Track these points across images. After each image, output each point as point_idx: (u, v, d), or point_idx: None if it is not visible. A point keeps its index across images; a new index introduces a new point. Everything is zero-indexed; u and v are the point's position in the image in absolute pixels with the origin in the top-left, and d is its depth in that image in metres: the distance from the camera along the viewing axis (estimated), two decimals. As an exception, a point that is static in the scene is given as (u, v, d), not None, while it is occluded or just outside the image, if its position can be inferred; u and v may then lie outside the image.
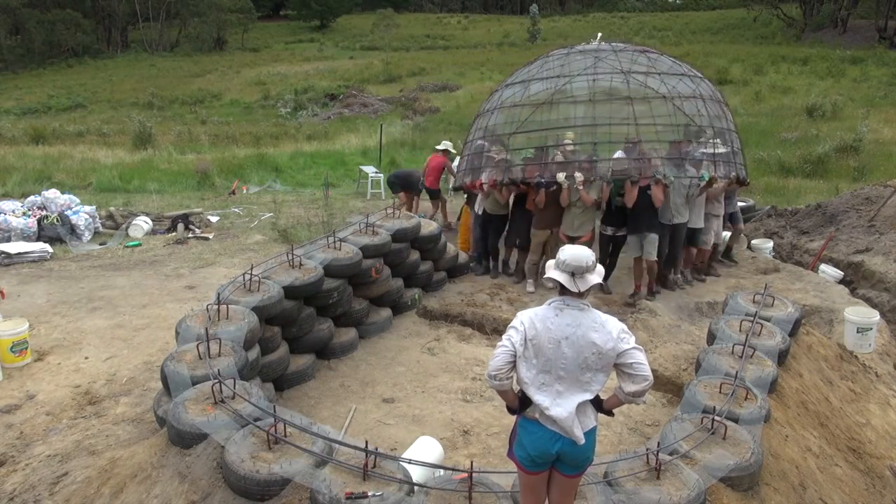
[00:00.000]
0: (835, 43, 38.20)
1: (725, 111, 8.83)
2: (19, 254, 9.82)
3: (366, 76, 37.73)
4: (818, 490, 4.67)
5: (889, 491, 5.30)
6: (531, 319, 3.30)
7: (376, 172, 15.47)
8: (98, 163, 18.51)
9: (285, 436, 4.07)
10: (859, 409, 6.12)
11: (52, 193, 11.59)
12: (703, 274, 8.72)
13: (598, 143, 8.34)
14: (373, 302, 7.32)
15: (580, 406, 3.28)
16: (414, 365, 6.65)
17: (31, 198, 11.65)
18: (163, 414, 4.69)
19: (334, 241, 6.88)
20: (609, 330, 3.23)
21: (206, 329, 5.01)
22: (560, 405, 3.26)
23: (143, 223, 11.58)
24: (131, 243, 10.92)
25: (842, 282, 9.25)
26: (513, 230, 8.71)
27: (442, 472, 4.28)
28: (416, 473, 4.08)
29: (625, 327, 3.29)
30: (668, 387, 6.25)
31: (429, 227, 8.18)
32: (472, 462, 3.93)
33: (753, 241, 10.45)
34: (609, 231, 8.26)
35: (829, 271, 9.44)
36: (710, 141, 8.33)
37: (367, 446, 3.92)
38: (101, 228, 11.60)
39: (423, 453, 4.61)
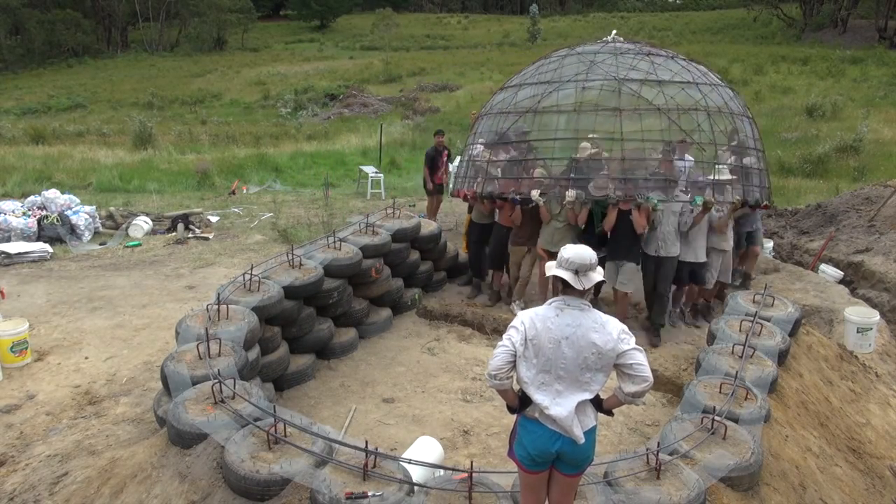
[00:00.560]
0: (835, 43, 38.21)
1: (745, 125, 7.70)
2: (19, 254, 9.82)
3: (366, 76, 37.73)
4: (818, 490, 4.67)
5: (889, 491, 5.30)
6: (531, 319, 3.29)
7: (376, 172, 15.47)
8: (98, 163, 18.51)
9: (285, 436, 4.07)
10: (859, 409, 6.13)
11: (52, 193, 11.59)
12: (703, 317, 7.57)
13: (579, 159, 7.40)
14: (373, 302, 7.32)
15: (580, 405, 3.29)
16: (414, 365, 6.65)
17: (31, 198, 11.65)
18: (163, 414, 4.69)
19: (334, 241, 6.88)
20: (609, 330, 3.24)
21: (206, 329, 5.01)
22: (560, 404, 3.26)
23: (143, 223, 11.58)
24: (131, 243, 10.92)
25: (842, 282, 9.25)
26: (491, 248, 8.07)
27: (442, 472, 4.28)
28: (416, 473, 4.08)
29: (625, 328, 3.29)
30: (668, 387, 6.25)
31: (429, 226, 8.18)
32: (472, 462, 3.93)
33: None
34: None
35: (829, 271, 9.44)
36: (713, 163, 7.24)
37: (367, 446, 3.92)
38: (101, 228, 11.60)
39: (423, 453, 4.61)
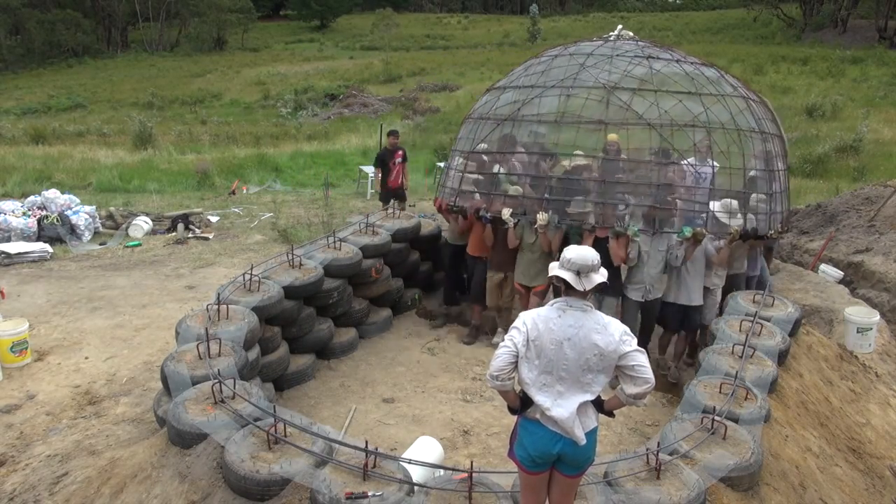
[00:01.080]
0: (835, 43, 38.20)
1: (756, 142, 6.66)
2: (19, 254, 9.82)
3: (366, 76, 37.72)
4: (818, 490, 4.67)
5: (889, 491, 5.30)
6: (534, 320, 3.29)
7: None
8: (98, 163, 18.51)
9: (285, 436, 4.07)
10: (859, 409, 6.13)
11: (52, 193, 11.59)
12: (689, 356, 6.75)
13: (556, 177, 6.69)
14: (373, 302, 7.32)
15: (581, 406, 3.29)
16: (414, 365, 6.65)
17: (31, 198, 11.65)
18: (163, 414, 4.69)
19: (334, 241, 6.88)
20: (611, 332, 3.24)
21: (206, 329, 5.02)
22: (561, 405, 3.26)
23: (143, 223, 11.58)
24: (131, 243, 10.92)
25: (842, 282, 9.25)
26: (472, 283, 7.33)
27: (442, 472, 4.28)
28: (416, 473, 4.08)
29: (627, 329, 3.30)
30: (669, 387, 6.25)
31: (428, 226, 8.18)
32: (472, 462, 3.93)
33: None
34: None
35: (829, 271, 9.44)
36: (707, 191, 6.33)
37: (367, 446, 3.92)
38: (101, 228, 11.60)
39: (423, 453, 4.61)
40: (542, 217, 6.29)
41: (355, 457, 3.95)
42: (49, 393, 6.06)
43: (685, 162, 6.48)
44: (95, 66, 45.44)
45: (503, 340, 3.33)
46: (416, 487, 3.83)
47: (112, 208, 12.54)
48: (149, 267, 9.66)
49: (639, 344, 5.93)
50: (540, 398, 3.28)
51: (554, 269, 3.38)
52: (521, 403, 3.38)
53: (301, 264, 6.37)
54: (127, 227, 11.52)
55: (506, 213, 6.49)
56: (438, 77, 36.06)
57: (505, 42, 50.35)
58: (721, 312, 6.42)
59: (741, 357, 5.13)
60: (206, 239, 11.14)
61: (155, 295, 8.43)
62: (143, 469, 4.32)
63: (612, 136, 6.41)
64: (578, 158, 6.63)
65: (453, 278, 7.73)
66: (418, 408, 5.84)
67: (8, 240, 10.44)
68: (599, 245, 6.01)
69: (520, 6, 71.77)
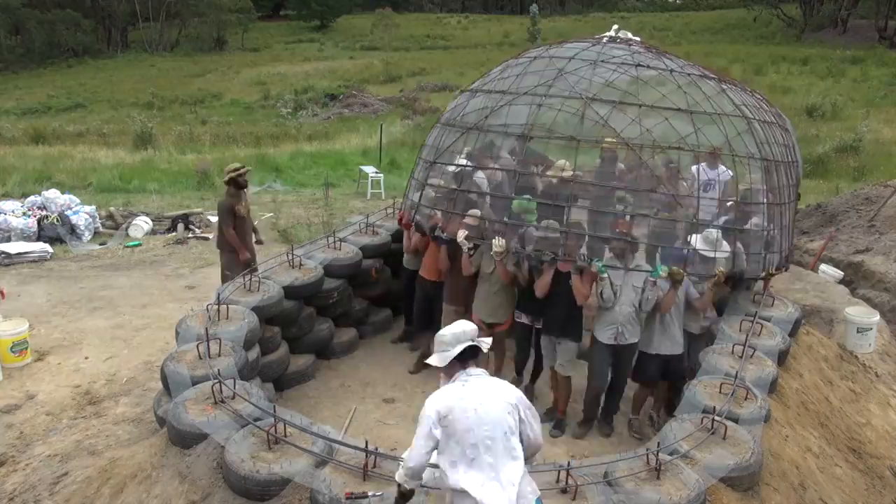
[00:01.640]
0: (835, 43, 38.19)
1: (756, 171, 5.93)
2: (19, 254, 9.82)
3: (366, 76, 37.71)
4: (818, 490, 4.67)
5: (889, 491, 5.30)
6: (437, 399, 3.21)
7: (376, 172, 15.47)
8: (98, 163, 18.50)
9: (285, 436, 4.07)
10: (859, 409, 6.13)
11: (52, 193, 11.60)
12: (667, 409, 5.78)
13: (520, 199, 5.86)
14: (373, 302, 7.31)
15: (521, 486, 3.13)
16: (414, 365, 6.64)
17: (31, 198, 11.66)
18: (163, 414, 4.69)
19: (334, 241, 6.87)
20: (513, 393, 3.25)
21: (206, 329, 5.01)
22: (493, 490, 3.05)
23: (143, 223, 11.58)
24: (131, 243, 10.92)
25: (842, 282, 9.25)
26: (415, 304, 6.73)
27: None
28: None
29: (522, 395, 3.30)
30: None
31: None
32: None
33: None
34: (524, 319, 5.88)
35: (829, 271, 9.44)
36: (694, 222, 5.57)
37: (367, 446, 3.93)
38: (101, 228, 11.61)
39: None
40: (497, 243, 5.48)
41: (355, 457, 3.95)
42: (49, 393, 6.07)
43: (695, 167, 6.05)
44: (95, 66, 45.42)
45: (420, 427, 3.18)
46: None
47: (112, 208, 12.54)
48: (149, 267, 9.66)
49: (610, 396, 5.56)
50: (469, 482, 3.07)
51: (434, 357, 3.30)
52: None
53: (301, 264, 6.37)
54: (127, 227, 11.52)
55: (461, 235, 5.69)
56: (438, 77, 36.06)
57: (505, 42, 50.32)
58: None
59: (741, 357, 5.12)
60: (206, 239, 11.14)
61: (155, 295, 8.43)
62: (143, 469, 4.32)
63: (611, 141, 5.82)
64: (562, 168, 5.90)
65: (411, 305, 6.87)
66: (418, 408, 5.83)
67: (8, 240, 10.44)
68: (562, 280, 5.37)
69: (520, 6, 71.75)
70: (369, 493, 3.62)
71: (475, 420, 3.10)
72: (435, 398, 3.23)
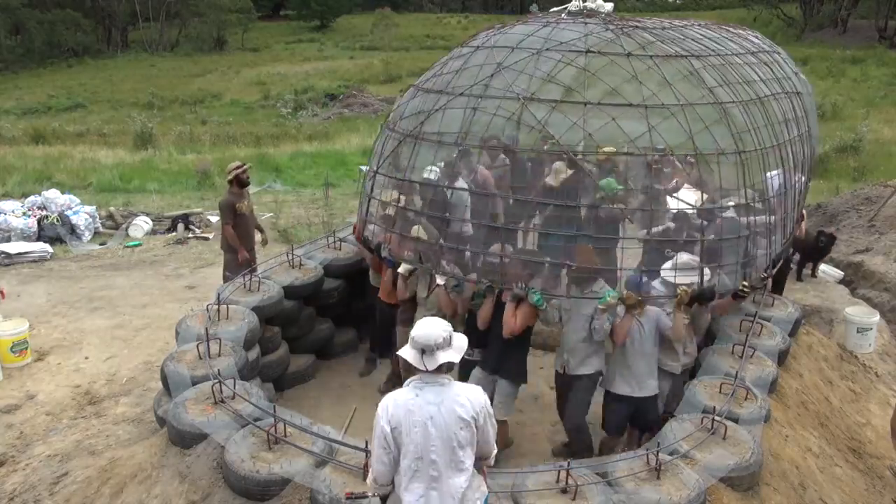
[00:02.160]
0: (835, 43, 38.19)
1: (749, 167, 5.06)
2: (19, 254, 9.83)
3: (366, 76, 37.69)
4: (818, 490, 4.67)
5: (889, 491, 5.30)
6: (387, 408, 3.09)
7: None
8: (98, 163, 18.50)
9: (285, 436, 4.07)
10: (859, 409, 6.12)
11: (52, 193, 11.60)
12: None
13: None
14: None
15: (466, 494, 3.12)
16: (414, 365, 6.63)
17: (31, 198, 11.66)
18: (163, 414, 4.69)
19: (334, 241, 6.87)
20: (473, 404, 3.10)
21: (206, 329, 5.02)
22: (436, 500, 3.06)
23: (143, 223, 11.59)
24: (131, 243, 10.92)
25: (842, 282, 9.25)
26: (375, 327, 6.39)
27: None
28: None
29: (487, 401, 3.18)
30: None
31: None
32: (472, 462, 3.91)
33: None
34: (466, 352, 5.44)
35: (829, 271, 9.43)
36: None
37: (367, 446, 3.92)
38: (101, 228, 11.61)
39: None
40: (440, 280, 5.02)
41: (355, 457, 3.95)
42: (49, 393, 6.07)
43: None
44: (95, 66, 45.39)
45: (374, 436, 3.12)
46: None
47: (112, 208, 12.54)
48: (149, 267, 9.66)
49: (568, 427, 4.90)
50: (407, 495, 3.07)
51: (404, 346, 3.17)
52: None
53: (301, 264, 6.37)
54: (127, 227, 11.52)
55: (403, 268, 5.27)
56: (438, 77, 35.98)
57: (505, 42, 50.25)
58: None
59: (741, 357, 5.12)
60: (206, 239, 11.14)
61: (155, 295, 8.43)
62: (143, 469, 4.32)
63: (607, 149, 5.12)
64: (560, 171, 5.28)
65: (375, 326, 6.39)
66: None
67: (8, 240, 10.45)
68: (503, 311, 4.84)
69: (520, 6, 71.71)
70: (369, 493, 3.62)
71: (422, 436, 3.04)
72: (385, 408, 3.09)
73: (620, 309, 4.70)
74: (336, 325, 6.73)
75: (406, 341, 5.27)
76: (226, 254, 7.09)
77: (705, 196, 5.09)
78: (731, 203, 5.12)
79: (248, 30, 53.18)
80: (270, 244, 10.66)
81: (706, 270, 4.88)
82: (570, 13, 5.63)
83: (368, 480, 3.26)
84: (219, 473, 4.03)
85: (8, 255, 9.74)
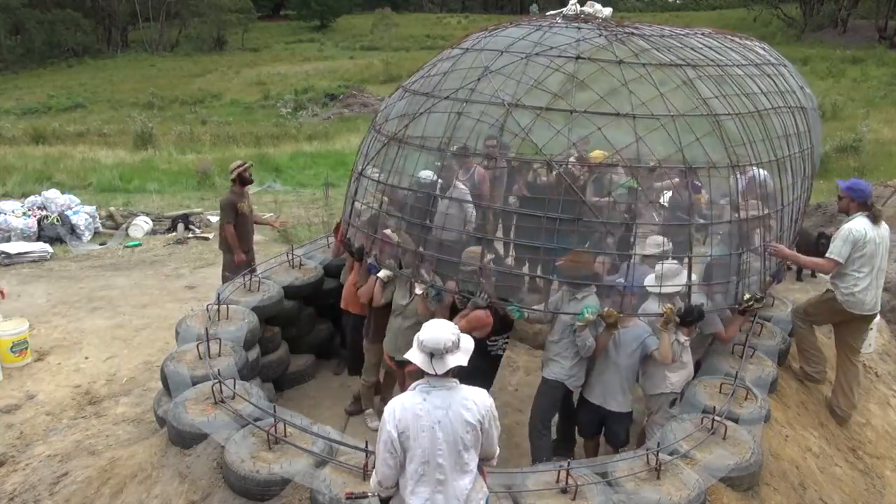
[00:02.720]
0: (835, 43, 38.20)
1: (745, 181, 4.94)
2: (19, 254, 9.83)
3: (366, 76, 37.69)
4: (818, 490, 4.67)
5: (889, 491, 5.30)
6: (394, 412, 3.06)
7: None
8: (98, 163, 18.50)
9: (285, 436, 4.07)
10: (859, 409, 6.12)
11: (52, 193, 11.61)
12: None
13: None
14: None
15: (471, 496, 3.15)
16: (414, 365, 6.63)
17: (31, 198, 11.67)
18: (163, 414, 4.69)
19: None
20: (479, 407, 3.11)
21: (206, 329, 5.02)
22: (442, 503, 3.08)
23: (143, 223, 11.59)
24: (131, 243, 10.92)
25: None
26: (348, 343, 6.13)
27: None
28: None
29: (493, 404, 3.18)
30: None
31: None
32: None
33: None
34: None
35: (829, 271, 9.41)
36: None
37: (367, 446, 3.92)
38: (101, 228, 11.61)
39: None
40: (419, 289, 4.92)
41: (355, 457, 3.95)
42: (49, 393, 6.07)
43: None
44: (95, 66, 45.41)
45: (378, 444, 3.10)
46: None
47: (112, 208, 12.54)
48: (149, 267, 9.66)
49: (532, 423, 4.75)
50: (413, 498, 3.07)
51: (411, 349, 3.13)
52: None
53: (301, 264, 6.37)
54: (127, 227, 11.53)
55: (384, 274, 5.14)
56: (438, 77, 35.96)
57: (505, 42, 50.24)
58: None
59: (741, 357, 5.12)
60: (206, 239, 11.14)
61: (155, 295, 8.43)
62: (143, 469, 4.32)
63: (597, 154, 4.94)
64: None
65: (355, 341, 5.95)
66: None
67: (8, 240, 10.45)
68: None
69: (520, 6, 71.71)
70: (369, 493, 3.62)
71: (430, 441, 3.04)
72: (392, 412, 3.06)
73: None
74: (336, 326, 6.72)
75: (375, 360, 5.34)
76: (224, 254, 7.08)
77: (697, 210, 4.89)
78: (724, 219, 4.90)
79: (248, 30, 53.20)
80: (271, 244, 10.70)
81: (694, 289, 4.69)
82: (565, 17, 5.48)
83: (372, 483, 3.23)
84: (219, 473, 4.03)
85: (8, 255, 9.74)
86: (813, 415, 5.56)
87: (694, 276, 4.73)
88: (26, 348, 6.58)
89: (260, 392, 4.64)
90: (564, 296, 4.69)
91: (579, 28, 5.23)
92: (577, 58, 4.84)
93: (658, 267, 4.70)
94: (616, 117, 4.61)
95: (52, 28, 45.68)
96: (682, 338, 4.67)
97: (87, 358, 6.73)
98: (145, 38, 50.95)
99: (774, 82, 5.70)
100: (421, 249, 4.99)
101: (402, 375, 5.30)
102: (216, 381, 4.44)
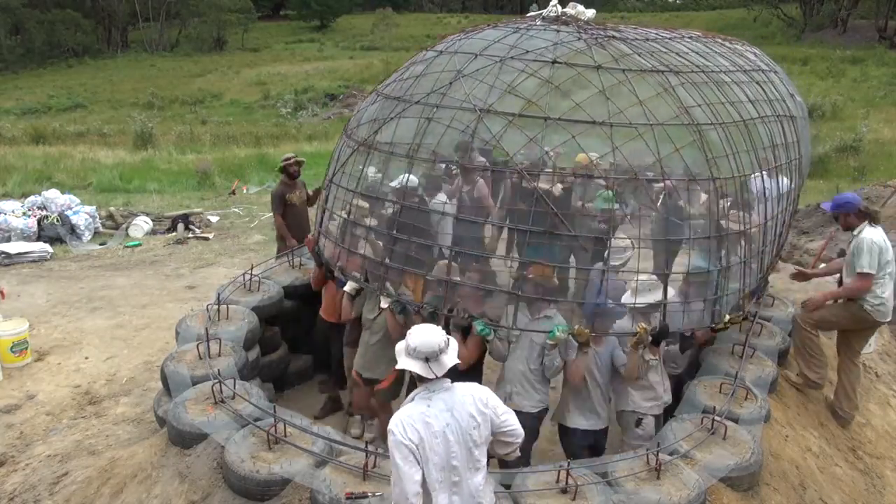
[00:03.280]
0: (835, 43, 38.22)
1: (724, 195, 4.66)
2: (19, 254, 9.83)
3: (366, 76, 37.67)
4: (818, 490, 4.67)
5: (889, 491, 5.30)
6: (402, 426, 3.00)
7: (376, 173, 15.44)
8: (98, 163, 18.51)
9: (285, 436, 4.07)
10: (859, 409, 6.12)
11: (52, 193, 11.62)
12: None
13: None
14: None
15: (484, 492, 3.15)
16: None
17: (31, 198, 11.68)
18: (163, 414, 4.69)
19: (334, 241, 6.85)
20: (479, 399, 3.12)
21: (206, 329, 5.01)
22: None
23: (143, 223, 11.60)
24: (131, 243, 10.92)
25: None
26: (317, 351, 6.00)
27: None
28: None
29: (490, 392, 3.19)
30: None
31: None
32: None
33: None
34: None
35: (829, 271, 9.42)
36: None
37: (367, 446, 3.93)
38: (101, 228, 11.62)
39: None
40: (384, 302, 4.64)
41: (355, 457, 3.95)
42: (49, 393, 6.07)
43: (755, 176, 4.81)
44: (95, 66, 45.42)
45: (394, 462, 3.00)
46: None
47: (112, 208, 12.55)
48: (149, 267, 9.66)
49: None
50: (448, 498, 3.07)
51: (401, 357, 3.10)
52: None
53: (301, 264, 6.37)
54: (127, 227, 11.53)
55: (350, 287, 4.88)
56: (438, 77, 35.95)
57: (505, 42, 50.21)
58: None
59: (741, 357, 5.12)
60: (206, 239, 11.15)
61: (155, 295, 8.43)
62: (143, 469, 4.32)
63: (582, 158, 4.68)
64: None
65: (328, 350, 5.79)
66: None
67: (8, 240, 10.45)
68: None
69: (520, 6, 71.71)
70: (369, 493, 3.62)
71: (443, 446, 3.04)
72: (401, 428, 2.99)
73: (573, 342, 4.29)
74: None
75: (352, 363, 5.08)
76: (278, 242, 7.47)
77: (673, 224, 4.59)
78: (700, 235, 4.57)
79: (248, 30, 53.20)
80: (270, 243, 10.70)
81: (669, 307, 4.43)
82: (544, 19, 5.19)
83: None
84: (219, 473, 4.03)
85: (8, 255, 9.74)
86: (813, 415, 5.56)
87: (672, 292, 4.53)
88: (26, 348, 6.58)
89: (260, 392, 4.64)
90: (524, 312, 4.40)
91: (558, 31, 4.95)
92: (554, 62, 4.60)
93: (632, 282, 4.40)
94: (592, 125, 4.35)
95: (52, 28, 45.69)
96: (649, 356, 4.41)
97: (87, 358, 6.73)
98: (145, 38, 50.96)
99: (763, 90, 5.51)
100: (388, 261, 4.67)
101: (366, 394, 5.15)
102: (216, 381, 4.44)
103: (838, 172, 16.55)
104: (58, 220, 10.96)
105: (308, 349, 6.17)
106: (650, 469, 3.91)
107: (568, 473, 3.79)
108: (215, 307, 5.39)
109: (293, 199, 7.16)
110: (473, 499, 3.12)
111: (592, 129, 4.35)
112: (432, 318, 4.36)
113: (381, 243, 4.94)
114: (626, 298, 4.43)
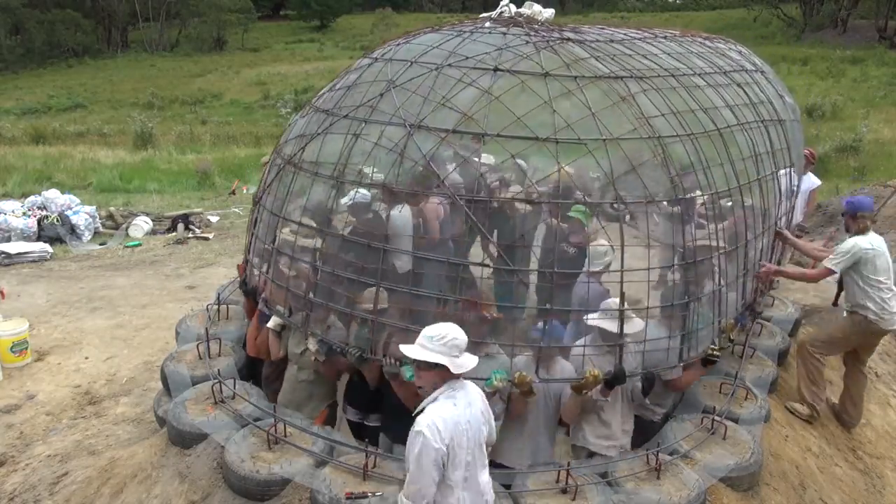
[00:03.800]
0: (835, 43, 38.22)
1: (691, 217, 4.16)
2: (19, 254, 9.83)
3: (366, 76, 37.69)
4: (818, 490, 4.67)
5: (889, 491, 5.30)
6: (436, 427, 2.95)
7: (376, 172, 15.45)
8: (98, 163, 18.52)
9: (285, 436, 4.07)
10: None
11: (52, 193, 11.62)
12: None
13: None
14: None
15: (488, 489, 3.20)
16: (414, 365, 6.63)
17: (31, 198, 11.68)
18: (163, 414, 4.69)
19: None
20: (482, 398, 3.22)
21: (206, 329, 5.01)
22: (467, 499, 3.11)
23: (143, 223, 11.60)
24: (131, 243, 10.92)
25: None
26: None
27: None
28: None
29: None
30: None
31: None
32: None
33: None
34: (353, 416, 4.59)
35: (828, 271, 9.40)
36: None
37: (367, 446, 3.92)
38: (101, 228, 11.62)
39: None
40: (311, 343, 4.21)
41: (355, 457, 3.95)
42: (49, 393, 6.07)
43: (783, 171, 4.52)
44: (95, 66, 45.42)
45: (419, 462, 2.97)
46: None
47: (112, 208, 12.55)
48: (149, 267, 9.66)
49: None
50: (464, 494, 3.08)
51: (426, 352, 2.97)
52: None
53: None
54: (127, 227, 11.53)
55: (274, 323, 4.47)
56: (438, 77, 35.94)
57: (505, 42, 50.18)
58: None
59: (741, 357, 5.12)
60: (206, 239, 11.15)
61: (155, 295, 8.43)
62: (143, 469, 4.32)
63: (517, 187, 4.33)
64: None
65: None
66: (418, 408, 5.83)
67: (8, 240, 10.45)
68: (388, 383, 3.99)
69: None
70: (369, 493, 3.62)
71: (467, 443, 3.07)
72: (434, 430, 2.94)
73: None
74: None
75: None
76: None
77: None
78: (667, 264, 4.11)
79: (248, 30, 53.20)
80: (270, 244, 10.71)
81: (626, 347, 3.98)
82: (494, 20, 4.68)
83: (407, 500, 3.05)
84: (219, 473, 4.03)
85: (8, 255, 9.74)
86: (813, 415, 5.56)
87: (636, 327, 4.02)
88: (26, 348, 6.58)
89: (260, 392, 4.64)
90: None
91: (505, 34, 4.45)
92: (496, 69, 4.11)
93: (605, 302, 4.01)
94: (535, 141, 3.87)
95: (52, 28, 45.69)
96: (598, 396, 4.00)
97: (87, 358, 6.73)
98: (145, 38, 50.96)
99: (745, 92, 5.08)
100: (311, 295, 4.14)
101: None
102: (216, 381, 4.44)
103: (838, 172, 16.55)
104: (58, 220, 10.96)
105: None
106: (650, 469, 3.91)
107: (568, 473, 3.79)
108: (215, 307, 5.39)
109: None
110: (482, 496, 3.15)
111: (534, 146, 3.88)
112: (361, 362, 4.03)
113: (309, 272, 4.32)
114: (608, 304, 4.03)
